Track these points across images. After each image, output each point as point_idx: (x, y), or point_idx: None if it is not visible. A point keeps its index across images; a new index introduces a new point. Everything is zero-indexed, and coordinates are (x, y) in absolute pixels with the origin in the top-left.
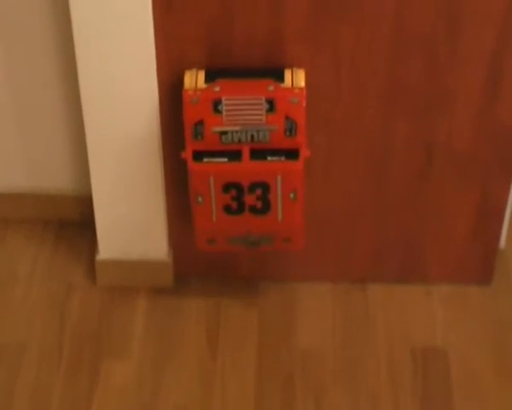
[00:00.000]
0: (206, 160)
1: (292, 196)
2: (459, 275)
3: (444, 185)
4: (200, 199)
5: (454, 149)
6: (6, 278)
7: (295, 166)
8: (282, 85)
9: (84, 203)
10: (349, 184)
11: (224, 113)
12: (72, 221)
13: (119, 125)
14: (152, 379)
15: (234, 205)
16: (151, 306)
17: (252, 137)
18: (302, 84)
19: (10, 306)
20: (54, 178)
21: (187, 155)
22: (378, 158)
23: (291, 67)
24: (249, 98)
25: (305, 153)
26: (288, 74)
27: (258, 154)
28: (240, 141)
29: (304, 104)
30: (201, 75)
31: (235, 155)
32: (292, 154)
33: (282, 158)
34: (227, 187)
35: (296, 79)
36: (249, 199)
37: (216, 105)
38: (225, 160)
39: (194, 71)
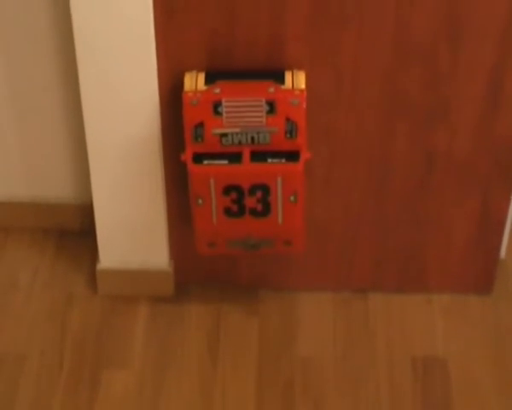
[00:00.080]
0: (206, 162)
1: (292, 198)
2: (459, 284)
3: (444, 195)
4: (200, 202)
5: (454, 159)
6: (6, 287)
7: (296, 168)
8: (283, 87)
9: (85, 212)
10: (349, 194)
11: (225, 115)
12: (72, 230)
13: (120, 127)
14: (152, 388)
15: (234, 208)
16: (152, 314)
17: (252, 138)
18: (303, 85)
19: (11, 315)
20: (54, 187)
21: (187, 157)
22: (379, 168)
23: (291, 68)
24: (249, 100)
25: (305, 155)
26: (288, 76)
27: (259, 156)
28: (240, 143)
29: (304, 106)
30: (201, 77)
31: (235, 157)
32: (292, 156)
33: (283, 160)
34: (227, 189)
35: (297, 80)
36: (249, 202)
37: (216, 107)
38: (226, 162)
39: (194, 73)
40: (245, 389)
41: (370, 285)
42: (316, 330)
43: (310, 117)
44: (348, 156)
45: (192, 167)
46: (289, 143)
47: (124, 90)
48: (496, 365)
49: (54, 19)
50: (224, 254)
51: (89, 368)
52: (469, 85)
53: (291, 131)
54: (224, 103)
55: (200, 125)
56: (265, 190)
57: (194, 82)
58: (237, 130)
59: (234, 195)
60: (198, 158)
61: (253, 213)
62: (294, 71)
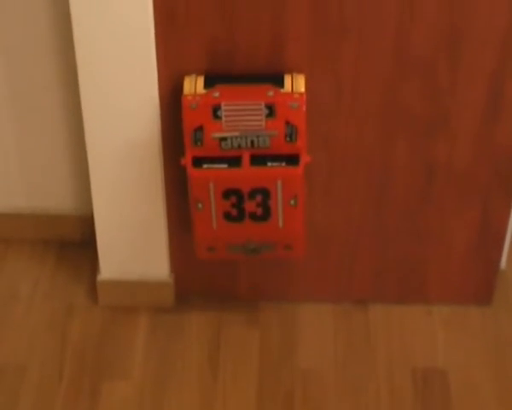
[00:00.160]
0: (205, 166)
1: (292, 202)
2: (460, 296)
3: (444, 206)
4: (200, 206)
5: (454, 169)
6: (7, 299)
7: (296, 172)
8: (282, 91)
9: (85, 223)
10: (349, 203)
11: (224, 118)
12: (72, 241)
13: (120, 130)
14: (153, 399)
15: (234, 212)
16: (152, 325)
17: (252, 142)
18: (302, 89)
19: (11, 326)
20: (54, 198)
21: (186, 161)
22: (378, 177)
23: (291, 72)
24: (249, 104)
25: (305, 158)
26: (287, 80)
27: (259, 159)
28: (240, 147)
29: (304, 109)
30: (201, 81)
31: (235, 161)
32: (292, 159)
33: (283, 164)
34: (227, 193)
35: (296, 84)
36: (249, 206)
37: (215, 111)
38: (225, 166)
39: (193, 76)
40: (245, 400)
41: (370, 296)
42: (316, 342)
43: (309, 125)
44: (348, 165)
45: (192, 171)
46: (289, 147)
47: (123, 94)
48: (496, 376)
49: (54, 19)
50: (223, 264)
51: (89, 379)
52: (469, 96)
53: (291, 134)
54: (223, 107)
55: (200, 128)
56: (265, 193)
57: (193, 86)
58: (237, 134)
59: (234, 199)
60: (198, 162)
61: (253, 217)
62: (294, 74)
